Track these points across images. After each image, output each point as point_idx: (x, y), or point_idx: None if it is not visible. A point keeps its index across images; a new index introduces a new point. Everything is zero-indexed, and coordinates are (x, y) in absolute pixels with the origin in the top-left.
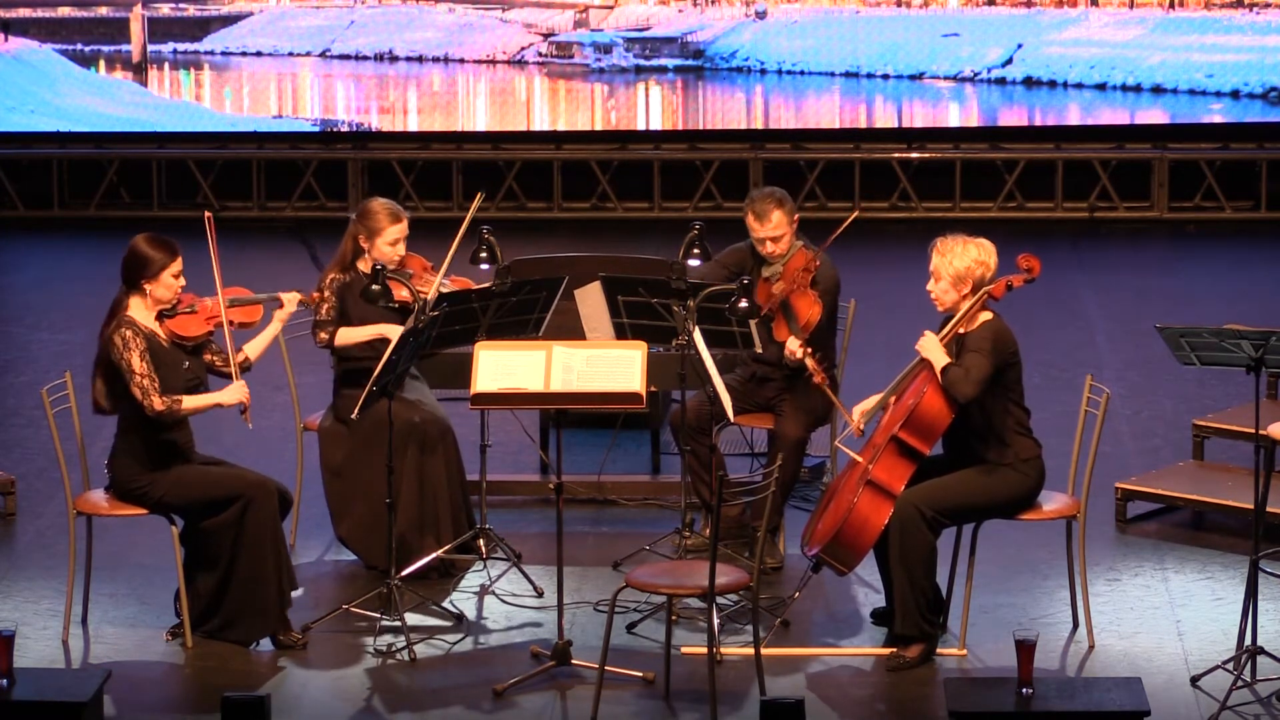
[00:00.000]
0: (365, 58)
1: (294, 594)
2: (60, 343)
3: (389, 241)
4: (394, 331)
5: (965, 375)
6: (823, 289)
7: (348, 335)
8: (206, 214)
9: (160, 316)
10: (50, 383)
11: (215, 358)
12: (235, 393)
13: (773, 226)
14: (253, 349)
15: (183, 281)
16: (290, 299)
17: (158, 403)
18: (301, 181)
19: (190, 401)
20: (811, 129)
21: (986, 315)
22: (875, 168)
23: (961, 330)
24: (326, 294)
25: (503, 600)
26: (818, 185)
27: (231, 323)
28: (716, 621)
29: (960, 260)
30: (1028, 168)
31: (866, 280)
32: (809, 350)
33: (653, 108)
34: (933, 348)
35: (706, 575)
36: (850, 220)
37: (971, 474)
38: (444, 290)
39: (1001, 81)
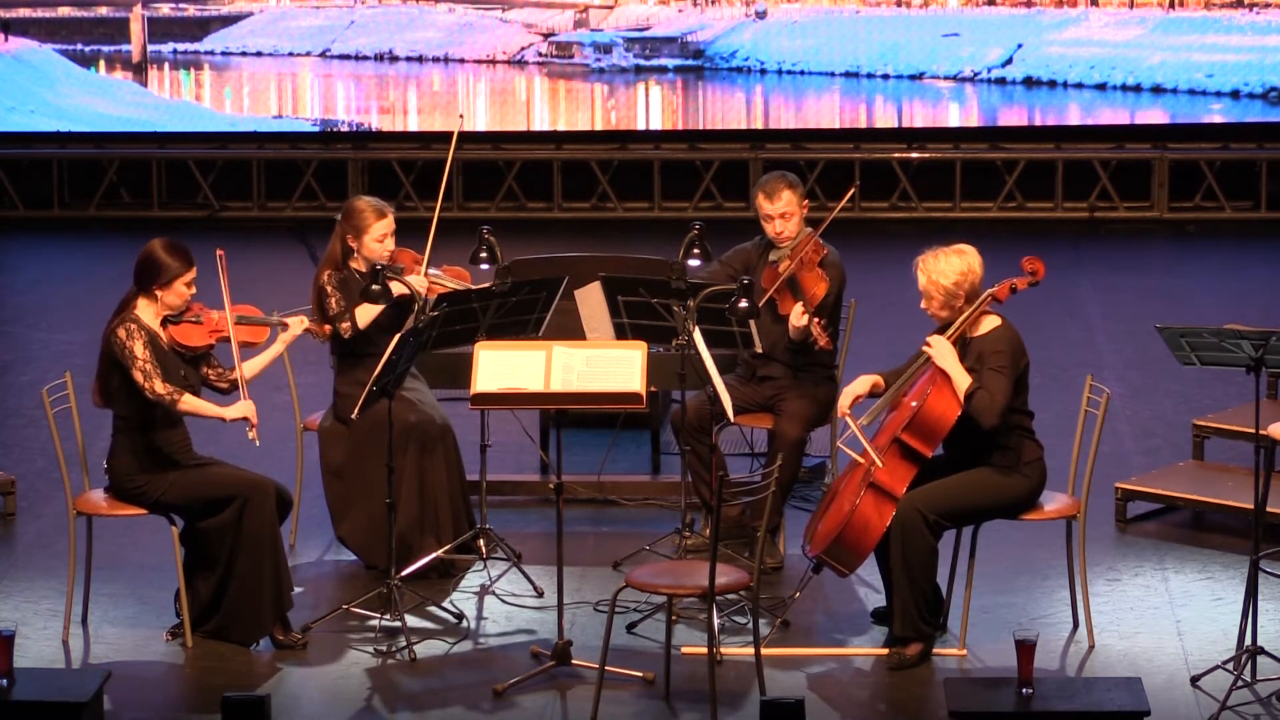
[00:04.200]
0: (365, 58)
1: (293, 593)
2: (60, 343)
3: (376, 238)
4: (412, 284)
5: (991, 403)
6: (830, 274)
7: (365, 313)
8: (219, 250)
9: (165, 322)
10: (50, 383)
11: (212, 372)
12: (241, 409)
13: (782, 204)
14: (250, 368)
15: (194, 290)
16: (297, 323)
17: (159, 385)
18: (301, 181)
19: (191, 402)
20: (811, 129)
21: (994, 320)
22: (875, 168)
23: (967, 334)
24: (329, 289)
25: (503, 600)
26: (818, 185)
27: (234, 340)
28: (717, 621)
29: (947, 277)
30: (1028, 168)
31: (866, 280)
32: (817, 320)
33: (653, 108)
34: (949, 359)
35: (706, 575)
36: (849, 196)
37: (974, 477)
38: (432, 279)
39: (1001, 81)
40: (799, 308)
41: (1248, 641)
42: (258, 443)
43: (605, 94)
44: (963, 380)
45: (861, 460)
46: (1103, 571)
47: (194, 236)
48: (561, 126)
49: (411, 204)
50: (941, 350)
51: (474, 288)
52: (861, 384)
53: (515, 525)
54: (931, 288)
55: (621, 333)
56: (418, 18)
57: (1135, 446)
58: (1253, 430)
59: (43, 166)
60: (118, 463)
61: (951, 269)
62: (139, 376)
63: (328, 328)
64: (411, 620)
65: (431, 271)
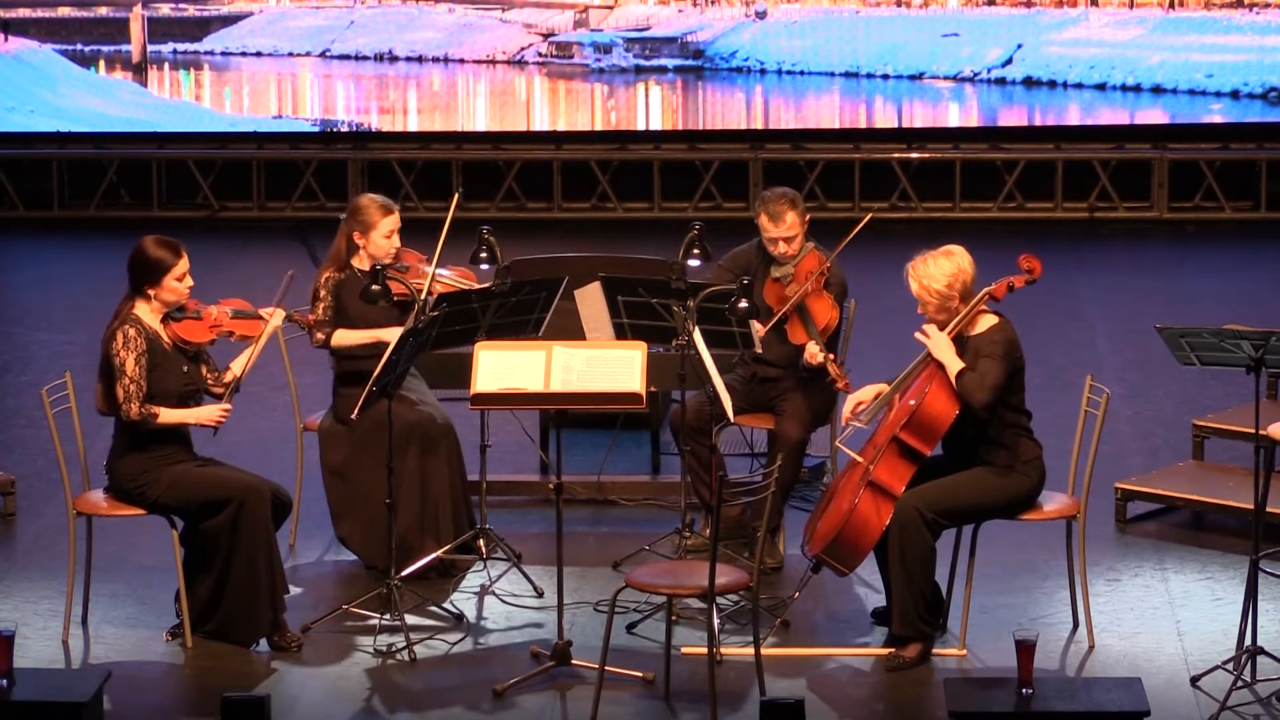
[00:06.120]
0: (365, 58)
1: (289, 595)
2: (60, 343)
3: (384, 234)
4: (392, 334)
5: (981, 382)
6: (836, 293)
7: (345, 337)
8: (290, 272)
9: (166, 319)
10: (50, 383)
11: (209, 375)
12: (213, 412)
13: (787, 227)
14: (238, 365)
15: (190, 282)
16: (277, 315)
17: (134, 409)
18: (301, 181)
19: (168, 415)
20: (811, 129)
21: (992, 318)
22: (875, 168)
23: (964, 332)
24: (322, 293)
25: (503, 600)
26: (818, 185)
27: (232, 334)
28: (716, 621)
29: (938, 281)
30: (1028, 168)
31: (866, 280)
32: (830, 356)
33: (653, 108)
34: (944, 348)
35: (706, 575)
36: (864, 223)
37: (973, 475)
38: (439, 281)
39: (1001, 81)
40: (813, 345)
41: (1248, 641)
42: (214, 434)
43: (605, 94)
44: (955, 365)
45: (860, 459)
46: (1103, 571)
47: (194, 236)
48: (561, 126)
49: (412, 204)
50: (937, 340)
51: (475, 287)
52: (867, 392)
53: (515, 525)
54: (924, 293)
55: (621, 333)
56: (418, 18)
57: (1135, 446)
58: (1253, 430)
59: (43, 166)
60: (118, 463)
61: (942, 272)
62: (120, 393)
63: (318, 293)
64: (411, 620)
65: (441, 273)
